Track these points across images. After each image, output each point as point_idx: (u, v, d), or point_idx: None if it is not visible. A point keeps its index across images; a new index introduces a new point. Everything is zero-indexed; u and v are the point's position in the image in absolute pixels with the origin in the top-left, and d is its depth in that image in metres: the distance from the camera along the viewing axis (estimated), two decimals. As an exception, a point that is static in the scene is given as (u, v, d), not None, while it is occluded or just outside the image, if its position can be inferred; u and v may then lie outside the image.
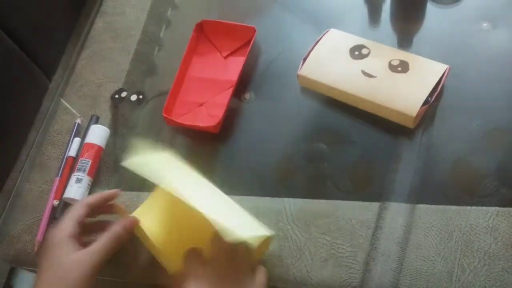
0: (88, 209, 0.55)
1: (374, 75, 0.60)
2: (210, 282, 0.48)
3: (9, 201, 0.69)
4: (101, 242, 0.52)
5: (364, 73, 0.60)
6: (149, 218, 0.55)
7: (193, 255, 0.51)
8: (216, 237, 0.48)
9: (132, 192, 0.64)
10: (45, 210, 0.65)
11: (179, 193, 0.49)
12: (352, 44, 0.63)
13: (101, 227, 0.55)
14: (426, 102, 0.57)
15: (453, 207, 0.53)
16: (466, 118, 0.58)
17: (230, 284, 0.48)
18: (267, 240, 0.53)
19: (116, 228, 0.53)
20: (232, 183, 0.60)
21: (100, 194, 0.58)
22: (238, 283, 0.48)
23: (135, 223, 0.54)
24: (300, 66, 0.64)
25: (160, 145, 0.65)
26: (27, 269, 0.68)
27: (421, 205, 0.54)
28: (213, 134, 0.65)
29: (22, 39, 0.72)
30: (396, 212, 0.54)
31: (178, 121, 0.66)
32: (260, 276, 0.50)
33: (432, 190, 0.55)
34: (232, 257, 0.50)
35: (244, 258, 0.50)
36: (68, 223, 0.53)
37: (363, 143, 0.60)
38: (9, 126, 0.71)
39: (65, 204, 0.64)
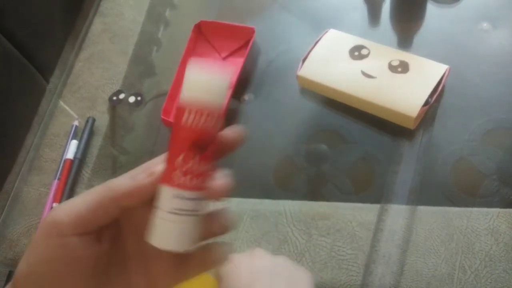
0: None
1: (374, 75, 0.60)
2: None
3: (7, 204, 0.68)
4: None
5: (364, 73, 0.60)
6: None
7: None
8: None
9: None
10: (44, 213, 0.64)
11: None
12: (351, 44, 0.63)
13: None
14: (426, 102, 0.57)
15: (454, 209, 0.53)
16: (467, 119, 0.58)
17: None
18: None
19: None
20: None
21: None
22: None
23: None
24: (299, 67, 0.64)
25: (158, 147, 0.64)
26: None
27: (422, 207, 0.54)
28: (212, 135, 0.65)
29: (19, 40, 0.72)
30: (397, 214, 0.54)
31: (177, 122, 0.66)
32: None
33: (433, 191, 0.55)
34: None
35: None
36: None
37: (363, 144, 0.60)
38: (7, 129, 0.71)
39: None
